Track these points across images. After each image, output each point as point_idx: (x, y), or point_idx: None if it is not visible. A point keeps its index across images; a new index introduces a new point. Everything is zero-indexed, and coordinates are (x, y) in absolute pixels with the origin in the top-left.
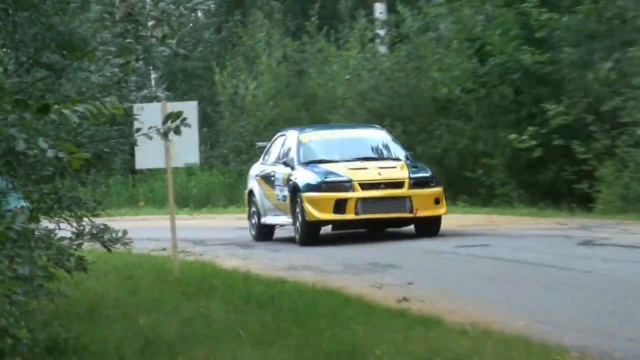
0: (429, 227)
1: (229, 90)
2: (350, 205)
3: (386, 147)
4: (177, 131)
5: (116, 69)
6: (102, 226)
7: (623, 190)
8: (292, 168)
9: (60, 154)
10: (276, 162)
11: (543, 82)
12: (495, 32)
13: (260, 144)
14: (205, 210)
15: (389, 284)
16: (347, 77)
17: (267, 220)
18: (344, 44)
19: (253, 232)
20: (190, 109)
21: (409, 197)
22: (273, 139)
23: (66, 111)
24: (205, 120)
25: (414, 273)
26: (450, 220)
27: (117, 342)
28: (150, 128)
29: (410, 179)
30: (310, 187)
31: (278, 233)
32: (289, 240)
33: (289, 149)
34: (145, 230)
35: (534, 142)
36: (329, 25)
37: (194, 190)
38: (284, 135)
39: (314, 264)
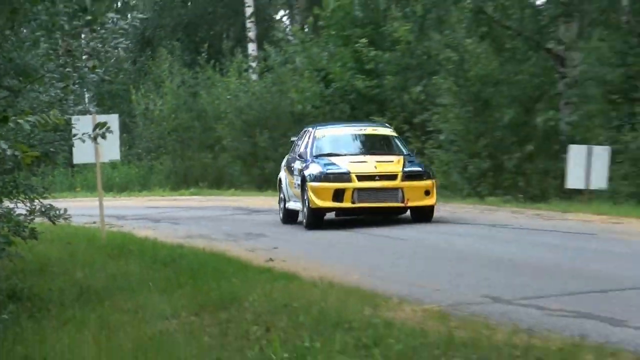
0: (422, 215)
1: (142, 106)
2: (348, 195)
3: (390, 143)
4: (103, 136)
5: (58, 91)
6: (48, 206)
7: None
8: (305, 160)
9: (17, 153)
10: (297, 154)
11: (372, 101)
12: (336, 64)
13: (293, 138)
14: (125, 194)
15: (259, 249)
16: (228, 97)
17: (290, 205)
18: (226, 73)
19: (281, 216)
20: (113, 120)
21: (401, 188)
22: (300, 134)
23: (21, 121)
24: (124, 128)
25: (278, 241)
26: None
27: (59, 291)
28: (83, 134)
29: (404, 172)
30: (314, 178)
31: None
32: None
33: (307, 143)
34: (80, 209)
35: None
36: (215, 59)
37: (116, 179)
38: (305, 131)
39: (205, 234)
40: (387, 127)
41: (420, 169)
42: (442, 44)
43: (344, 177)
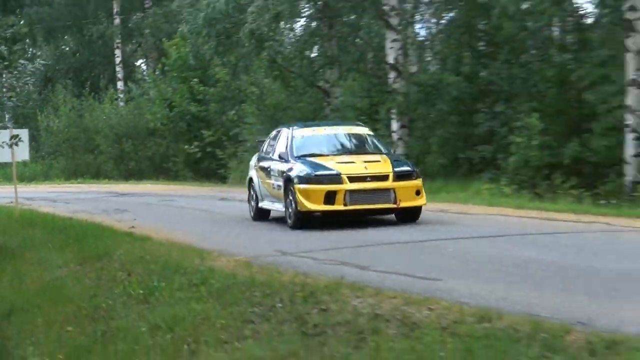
0: (410, 215)
1: (45, 123)
2: (340, 197)
3: (369, 142)
4: (17, 144)
5: None
6: None
7: (240, 174)
8: (286, 161)
9: None
10: (272, 154)
11: (201, 121)
12: (177, 96)
13: (259, 138)
14: (33, 183)
15: (124, 220)
16: (104, 117)
17: (264, 205)
18: (102, 101)
19: (252, 214)
20: (24, 133)
21: (393, 189)
22: (270, 135)
23: None
24: (32, 138)
25: (137, 214)
26: (160, 187)
27: None
28: (3, 142)
29: (394, 172)
30: (302, 180)
31: (273, 214)
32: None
33: (284, 143)
34: (1, 194)
35: (197, 149)
36: (95, 92)
37: (27, 173)
38: (279, 131)
39: (87, 210)
40: (362, 126)
41: (409, 168)
42: (248, 83)
43: (335, 178)
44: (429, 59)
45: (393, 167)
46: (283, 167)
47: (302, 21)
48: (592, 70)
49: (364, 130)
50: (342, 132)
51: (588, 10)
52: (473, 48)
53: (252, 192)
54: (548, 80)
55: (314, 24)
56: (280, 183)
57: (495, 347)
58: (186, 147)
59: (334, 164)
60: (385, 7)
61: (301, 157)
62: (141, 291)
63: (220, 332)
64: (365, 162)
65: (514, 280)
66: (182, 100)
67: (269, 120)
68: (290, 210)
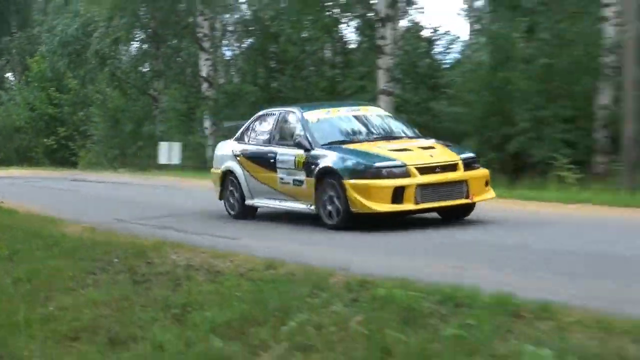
0: (464, 212)
1: None
2: (409, 193)
3: (397, 124)
4: None
5: None
6: None
7: (90, 161)
8: (307, 150)
9: None
10: (270, 142)
11: (57, 120)
12: (38, 101)
13: (228, 124)
14: None
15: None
16: None
17: (257, 202)
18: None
19: (233, 212)
20: None
21: (465, 180)
22: (253, 118)
23: None
24: None
25: (5, 193)
26: (24, 171)
27: None
28: None
29: (462, 160)
30: (355, 173)
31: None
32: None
33: (293, 128)
34: None
35: (54, 142)
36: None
37: None
38: (271, 114)
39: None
40: (373, 105)
41: (473, 154)
42: (94, 91)
43: (401, 171)
44: (233, 73)
45: (459, 154)
46: (305, 156)
47: (136, 44)
48: (353, 82)
49: (380, 111)
50: (360, 113)
51: (351, 38)
52: (266, 66)
53: (230, 188)
54: (322, 90)
55: (145, 46)
56: (301, 177)
57: (278, 288)
58: (45, 140)
59: (388, 152)
60: (199, 34)
61: (332, 145)
62: (7, 252)
63: (69, 282)
64: (421, 148)
65: (293, 239)
66: (42, 104)
67: (110, 120)
68: (329, 209)
